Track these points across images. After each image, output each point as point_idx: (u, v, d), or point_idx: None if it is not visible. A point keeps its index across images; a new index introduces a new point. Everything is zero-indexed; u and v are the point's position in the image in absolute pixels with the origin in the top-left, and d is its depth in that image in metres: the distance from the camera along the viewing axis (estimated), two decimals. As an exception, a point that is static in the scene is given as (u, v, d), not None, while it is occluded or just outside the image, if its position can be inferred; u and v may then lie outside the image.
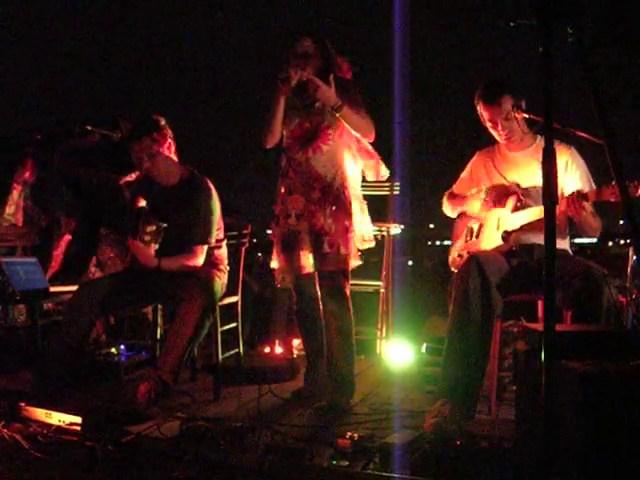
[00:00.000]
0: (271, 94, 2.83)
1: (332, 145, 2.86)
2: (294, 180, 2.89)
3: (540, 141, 2.80)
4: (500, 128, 2.78)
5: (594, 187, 2.74)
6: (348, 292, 2.90)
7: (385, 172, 3.01)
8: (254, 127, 2.98)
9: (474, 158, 3.04)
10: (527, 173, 2.80)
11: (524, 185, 2.80)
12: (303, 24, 3.03)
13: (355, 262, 2.91)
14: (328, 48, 2.86)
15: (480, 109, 2.83)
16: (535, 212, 2.68)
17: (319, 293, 2.94)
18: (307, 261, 2.87)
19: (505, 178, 2.85)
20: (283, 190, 2.93)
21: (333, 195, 2.84)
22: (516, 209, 2.77)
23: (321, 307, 2.93)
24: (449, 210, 3.11)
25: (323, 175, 2.84)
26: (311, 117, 2.87)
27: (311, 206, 2.84)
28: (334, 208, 2.83)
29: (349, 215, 2.86)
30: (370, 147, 2.95)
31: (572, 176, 2.75)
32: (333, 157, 2.87)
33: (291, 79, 2.73)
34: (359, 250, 2.92)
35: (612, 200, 2.49)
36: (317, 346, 3.03)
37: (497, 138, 2.86)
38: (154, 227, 2.84)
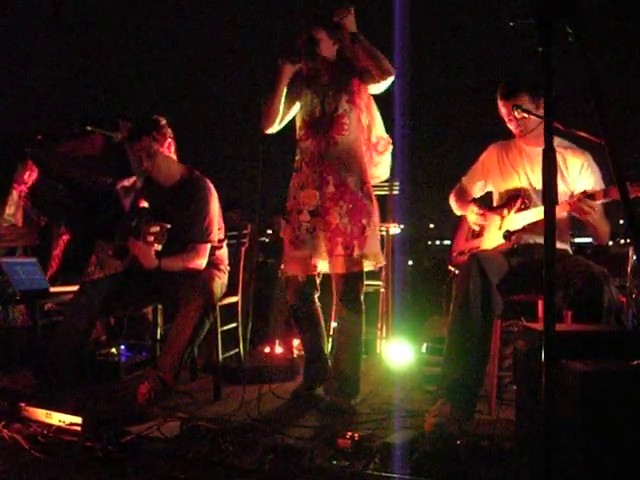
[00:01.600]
0: (273, 75, 2.75)
1: (348, 135, 2.77)
2: (307, 174, 2.79)
3: (556, 142, 2.76)
4: (514, 125, 2.78)
5: None
6: (362, 297, 2.84)
7: (385, 174, 2.97)
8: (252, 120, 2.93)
9: (488, 150, 3.00)
10: (537, 168, 2.78)
11: (537, 185, 2.77)
12: (314, 12, 2.96)
13: (373, 262, 2.81)
14: (339, 33, 2.77)
15: (499, 103, 2.81)
16: (539, 212, 2.67)
17: (318, 294, 2.92)
18: (320, 261, 2.80)
19: (518, 173, 2.83)
20: (296, 184, 2.84)
21: (349, 191, 2.74)
22: (519, 210, 2.76)
23: (318, 307, 2.91)
24: (454, 207, 3.08)
25: (337, 169, 2.74)
26: (324, 105, 2.78)
27: (326, 202, 2.74)
28: (350, 206, 2.73)
29: (367, 213, 2.77)
30: (388, 137, 2.90)
31: (586, 180, 2.74)
32: (349, 148, 2.77)
33: (296, 60, 2.70)
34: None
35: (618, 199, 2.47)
36: (314, 345, 2.98)
37: (512, 130, 2.85)
38: (158, 228, 2.83)
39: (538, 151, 2.80)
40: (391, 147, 2.94)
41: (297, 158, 2.87)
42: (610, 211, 2.72)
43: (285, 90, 2.82)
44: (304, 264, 2.80)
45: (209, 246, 3.03)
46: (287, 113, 2.88)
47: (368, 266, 2.83)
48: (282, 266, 2.92)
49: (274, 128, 2.87)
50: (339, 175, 2.75)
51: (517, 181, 2.83)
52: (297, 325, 3.03)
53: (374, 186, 2.97)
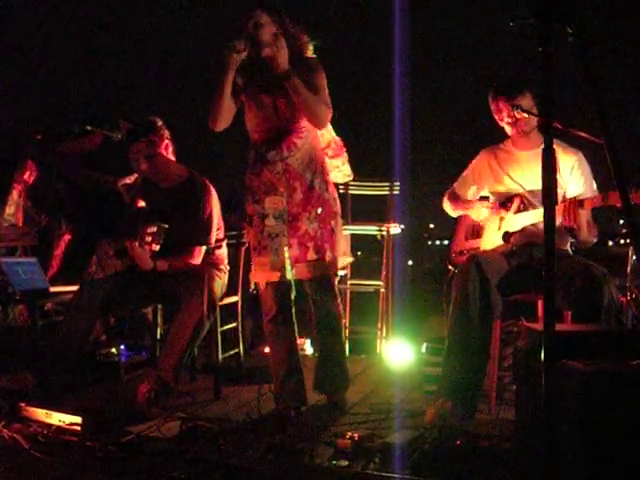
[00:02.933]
0: (219, 67, 2.57)
1: (306, 137, 2.67)
2: (271, 180, 2.67)
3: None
4: (511, 125, 2.74)
5: (597, 194, 2.72)
6: (337, 289, 2.83)
7: (350, 173, 2.92)
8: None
9: (478, 156, 3.00)
10: (532, 173, 2.78)
11: (529, 187, 2.78)
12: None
13: (345, 260, 2.82)
14: (283, 19, 2.60)
15: (499, 103, 2.75)
16: (538, 214, 2.67)
17: (294, 294, 2.77)
18: (287, 267, 2.66)
19: (510, 176, 2.83)
20: (257, 188, 2.70)
21: (316, 195, 2.68)
22: (519, 210, 2.76)
23: (293, 312, 2.81)
24: (450, 210, 3.06)
25: (302, 174, 2.66)
26: (277, 105, 2.64)
27: (293, 209, 2.65)
28: (319, 210, 2.68)
29: (334, 214, 2.74)
30: (339, 141, 2.83)
31: (576, 181, 2.74)
32: (311, 151, 2.69)
33: (241, 49, 2.51)
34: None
35: (618, 206, 2.46)
36: (291, 355, 2.80)
37: (509, 131, 2.82)
38: (155, 228, 2.83)
39: (527, 155, 2.83)
40: (345, 153, 2.88)
41: (252, 160, 2.72)
42: (608, 210, 2.72)
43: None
44: (268, 270, 2.69)
45: (205, 247, 3.03)
46: (234, 109, 2.71)
47: (341, 265, 2.82)
48: (251, 273, 2.81)
49: (224, 125, 2.69)
50: (305, 179, 2.67)
51: (510, 184, 2.83)
52: (272, 334, 2.81)
53: (375, 186, 2.97)
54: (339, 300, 2.86)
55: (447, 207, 3.08)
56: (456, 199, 3.05)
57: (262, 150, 2.68)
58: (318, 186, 2.70)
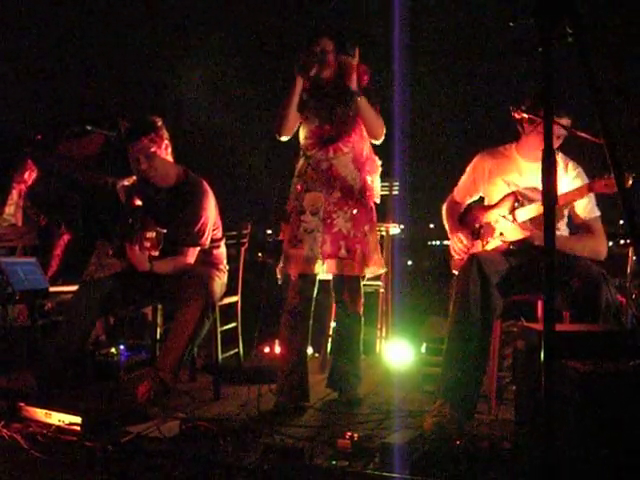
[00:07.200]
0: (288, 83, 2.82)
1: (353, 147, 2.87)
2: (313, 178, 2.84)
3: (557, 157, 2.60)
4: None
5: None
6: (362, 299, 2.94)
7: (379, 191, 3.00)
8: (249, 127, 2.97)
9: (475, 160, 2.97)
10: (527, 178, 2.79)
11: (523, 185, 2.79)
12: (322, 24, 3.08)
13: (378, 270, 2.93)
14: (347, 48, 2.84)
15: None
16: (533, 209, 2.68)
17: (316, 292, 2.90)
18: (318, 262, 2.79)
19: (505, 181, 2.82)
20: (299, 188, 2.88)
21: (354, 197, 2.83)
22: (513, 208, 2.76)
23: (312, 308, 2.89)
24: (444, 223, 3.07)
25: (344, 175, 2.83)
26: (334, 120, 2.85)
27: (330, 206, 2.81)
28: (355, 211, 2.82)
29: (369, 220, 2.87)
30: (377, 160, 2.96)
31: (570, 182, 2.74)
32: (355, 159, 2.87)
33: (309, 69, 2.77)
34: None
35: (605, 192, 2.48)
36: (299, 349, 2.86)
37: (528, 141, 2.76)
38: (154, 233, 2.82)
39: (531, 166, 2.80)
40: (380, 170, 2.98)
41: (301, 163, 2.92)
42: (608, 210, 2.72)
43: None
44: (301, 263, 2.80)
45: (198, 248, 3.03)
46: (298, 121, 2.93)
47: (369, 273, 2.91)
48: (280, 265, 2.90)
49: (288, 136, 2.93)
50: (346, 181, 2.83)
51: (503, 188, 2.83)
52: (289, 325, 2.87)
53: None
54: (362, 301, 2.96)
55: (443, 217, 3.09)
56: (452, 213, 3.05)
57: (310, 152, 2.88)
58: (357, 191, 2.85)
